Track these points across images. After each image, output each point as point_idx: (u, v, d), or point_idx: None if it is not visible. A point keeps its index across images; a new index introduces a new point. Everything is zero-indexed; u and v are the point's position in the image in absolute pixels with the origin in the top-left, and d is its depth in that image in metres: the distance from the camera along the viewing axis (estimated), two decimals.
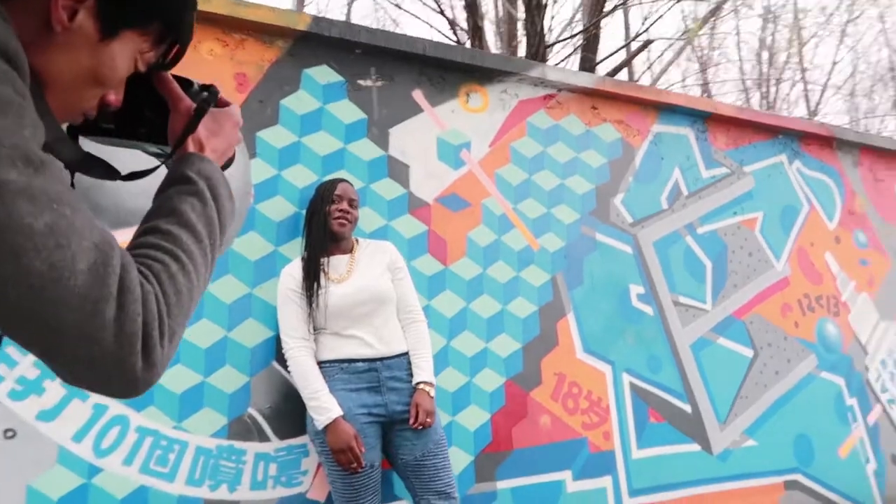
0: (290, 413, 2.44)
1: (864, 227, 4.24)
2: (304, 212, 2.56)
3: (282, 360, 2.41)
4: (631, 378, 3.18)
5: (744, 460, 3.38)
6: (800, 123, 4.14)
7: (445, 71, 3.04)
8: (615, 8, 7.53)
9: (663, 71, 10.50)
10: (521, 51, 7.79)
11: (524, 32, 7.06)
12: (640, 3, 8.44)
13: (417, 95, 2.97)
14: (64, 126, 0.73)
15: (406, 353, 2.40)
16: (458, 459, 2.69)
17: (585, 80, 3.41)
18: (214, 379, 2.37)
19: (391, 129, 2.88)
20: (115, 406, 2.21)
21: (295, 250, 2.56)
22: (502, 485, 2.77)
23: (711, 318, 3.50)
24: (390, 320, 2.41)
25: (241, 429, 2.38)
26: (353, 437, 2.19)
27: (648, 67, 10.63)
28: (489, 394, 2.84)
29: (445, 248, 2.89)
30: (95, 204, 2.19)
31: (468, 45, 7.51)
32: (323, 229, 2.42)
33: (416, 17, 17.16)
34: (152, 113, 0.80)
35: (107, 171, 0.79)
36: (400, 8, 8.60)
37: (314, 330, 2.34)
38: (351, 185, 2.54)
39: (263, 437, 2.41)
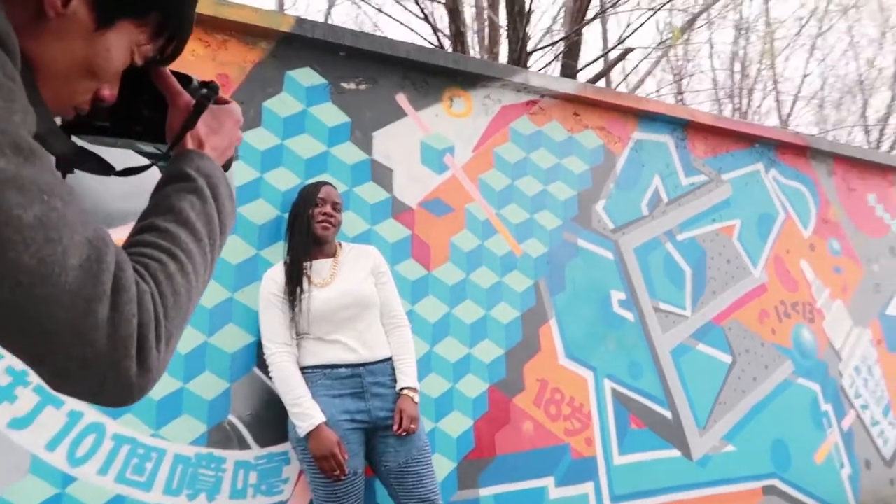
0: (271, 420, 2.39)
1: (838, 235, 4.32)
2: (286, 215, 2.52)
3: (263, 366, 2.36)
4: (612, 384, 3.19)
5: (723, 466, 3.40)
6: (775, 133, 4.21)
7: (429, 75, 3.03)
8: (596, 15, 7.59)
9: (641, 81, 10.62)
10: (503, 57, 7.81)
11: (506, 38, 7.08)
12: (617, 13, 8.53)
13: (401, 99, 2.95)
14: (57, 120, 0.70)
15: (390, 359, 2.37)
16: (441, 466, 2.66)
17: (568, 86, 3.42)
18: (194, 385, 2.31)
19: (375, 132, 2.86)
20: (91, 413, 2.15)
21: (277, 254, 2.52)
22: (485, 492, 2.75)
23: (691, 324, 3.53)
24: (374, 325, 2.38)
25: (221, 436, 2.33)
26: (336, 443, 2.15)
27: (625, 78, 10.73)
28: (472, 400, 2.82)
29: (429, 253, 2.87)
30: None
31: (450, 50, 7.52)
32: (306, 233, 2.38)
33: (398, 21, 17.06)
34: (149, 110, 0.77)
35: (100, 166, 0.75)
36: (381, 12, 8.52)
37: (297, 335, 2.30)
38: (334, 188, 2.51)
39: (244, 445, 2.36)
